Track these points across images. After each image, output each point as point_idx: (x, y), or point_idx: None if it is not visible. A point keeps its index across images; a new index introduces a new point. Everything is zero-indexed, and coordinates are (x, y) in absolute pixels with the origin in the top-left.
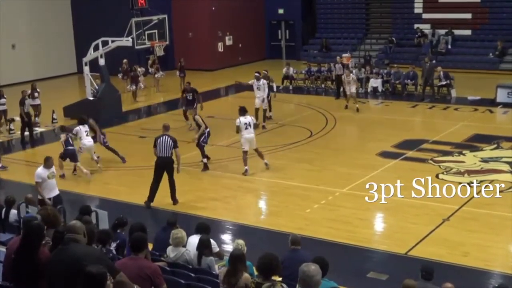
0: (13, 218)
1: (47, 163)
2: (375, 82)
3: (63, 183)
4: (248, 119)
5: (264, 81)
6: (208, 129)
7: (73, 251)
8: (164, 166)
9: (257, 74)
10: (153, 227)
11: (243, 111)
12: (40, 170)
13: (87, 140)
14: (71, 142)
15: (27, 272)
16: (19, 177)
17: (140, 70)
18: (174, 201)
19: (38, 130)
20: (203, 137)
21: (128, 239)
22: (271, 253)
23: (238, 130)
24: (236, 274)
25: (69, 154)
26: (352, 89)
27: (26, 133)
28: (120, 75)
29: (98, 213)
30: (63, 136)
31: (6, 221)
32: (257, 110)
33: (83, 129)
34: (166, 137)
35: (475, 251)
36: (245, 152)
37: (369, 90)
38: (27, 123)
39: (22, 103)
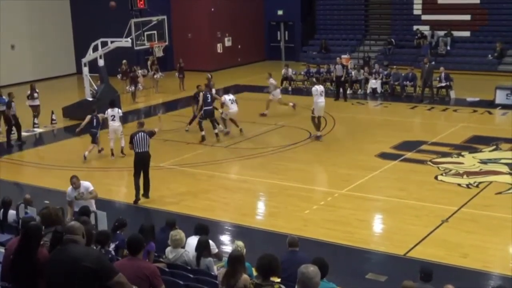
0: (11, 218)
1: (71, 182)
2: (374, 83)
3: (63, 183)
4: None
5: (272, 80)
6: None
7: (72, 251)
8: (143, 160)
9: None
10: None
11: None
12: (69, 190)
13: (112, 123)
14: (94, 124)
15: (25, 273)
16: (16, 178)
17: (142, 71)
18: (146, 195)
19: (37, 130)
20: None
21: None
22: (270, 254)
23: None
24: (235, 275)
25: (92, 135)
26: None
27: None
28: (119, 76)
29: (97, 214)
30: (87, 118)
31: (4, 222)
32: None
33: (110, 113)
34: (142, 133)
35: (474, 252)
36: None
37: (368, 91)
38: (15, 124)
39: (9, 105)
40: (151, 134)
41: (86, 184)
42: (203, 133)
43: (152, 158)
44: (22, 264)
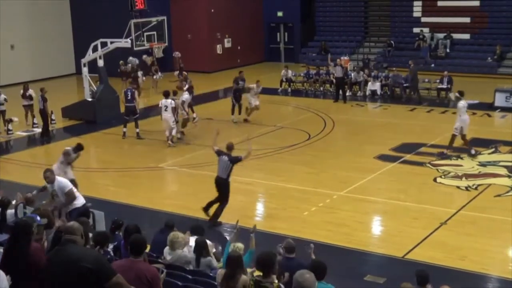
0: (10, 218)
1: (44, 176)
2: (374, 86)
3: None
4: None
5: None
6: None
7: (71, 252)
8: (217, 185)
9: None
10: (151, 229)
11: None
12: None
13: (164, 114)
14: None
15: (17, 268)
16: (15, 177)
17: (140, 73)
18: (209, 214)
19: (36, 130)
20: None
21: (126, 241)
22: (269, 250)
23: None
24: (234, 276)
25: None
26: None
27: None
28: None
29: (95, 214)
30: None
31: (3, 222)
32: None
33: (164, 103)
34: (226, 157)
35: (472, 255)
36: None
37: (367, 93)
38: (44, 119)
39: (45, 99)
40: (236, 161)
41: (61, 181)
42: (124, 129)
43: (151, 159)
44: (14, 260)
